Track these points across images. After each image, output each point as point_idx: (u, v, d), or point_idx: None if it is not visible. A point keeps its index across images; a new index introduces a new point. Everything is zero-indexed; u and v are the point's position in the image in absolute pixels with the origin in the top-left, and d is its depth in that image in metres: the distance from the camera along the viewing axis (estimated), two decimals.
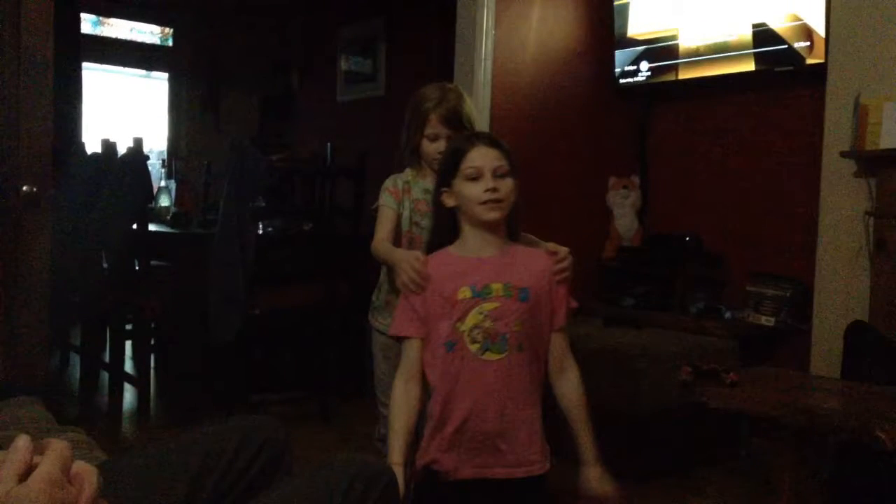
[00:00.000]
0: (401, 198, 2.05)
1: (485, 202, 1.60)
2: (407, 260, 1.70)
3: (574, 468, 1.70)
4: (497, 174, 1.62)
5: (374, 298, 2.18)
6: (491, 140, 1.67)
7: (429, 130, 2.00)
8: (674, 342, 2.82)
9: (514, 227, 1.70)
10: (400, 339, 1.70)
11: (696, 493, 2.66)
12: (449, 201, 1.67)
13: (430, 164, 2.03)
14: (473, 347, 1.59)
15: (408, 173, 2.08)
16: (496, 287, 1.60)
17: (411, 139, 2.05)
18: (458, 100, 2.03)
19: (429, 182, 2.00)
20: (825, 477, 1.89)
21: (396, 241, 2.03)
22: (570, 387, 1.69)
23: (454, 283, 1.61)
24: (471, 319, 1.59)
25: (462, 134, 1.77)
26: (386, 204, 2.04)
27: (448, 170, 1.67)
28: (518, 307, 1.60)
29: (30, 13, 2.03)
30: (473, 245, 1.66)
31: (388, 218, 2.03)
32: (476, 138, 1.68)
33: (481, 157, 1.62)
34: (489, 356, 1.59)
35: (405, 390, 1.65)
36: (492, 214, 1.61)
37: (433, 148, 2.00)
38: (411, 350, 1.67)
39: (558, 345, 1.70)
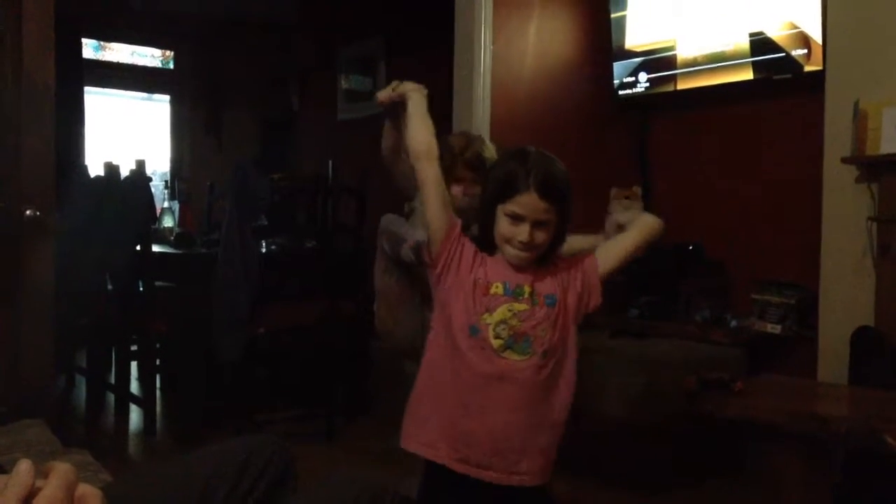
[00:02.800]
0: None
1: (514, 246, 1.58)
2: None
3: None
4: (538, 225, 1.57)
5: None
6: (546, 188, 1.57)
7: (456, 174, 2.10)
8: (679, 351, 2.82)
9: (550, 253, 1.66)
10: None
11: (704, 503, 2.65)
12: (493, 219, 1.63)
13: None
14: (496, 343, 1.57)
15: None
16: (527, 289, 1.60)
17: None
18: (481, 146, 2.16)
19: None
20: (835, 484, 1.87)
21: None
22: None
23: (490, 275, 1.60)
24: (499, 314, 1.57)
25: (522, 158, 1.65)
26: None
27: (496, 193, 1.61)
28: (546, 313, 1.59)
29: (32, 38, 2.04)
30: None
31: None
32: (533, 179, 1.57)
33: (528, 207, 1.56)
34: (510, 355, 1.57)
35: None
36: (516, 259, 1.60)
37: (457, 190, 2.09)
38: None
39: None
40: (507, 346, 1.57)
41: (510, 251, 1.59)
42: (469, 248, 1.64)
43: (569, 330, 1.64)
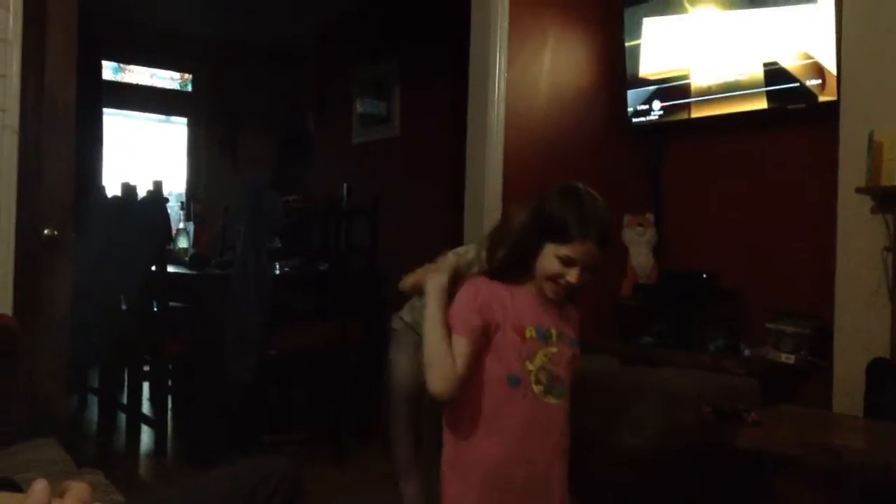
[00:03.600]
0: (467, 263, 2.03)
1: (558, 284, 1.57)
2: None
3: None
4: (588, 269, 1.57)
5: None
6: (604, 239, 1.57)
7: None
8: (693, 381, 2.79)
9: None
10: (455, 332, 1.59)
11: None
12: (536, 250, 1.60)
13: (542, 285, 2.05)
14: (537, 389, 1.56)
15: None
16: (554, 332, 1.60)
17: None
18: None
19: None
20: None
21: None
22: None
23: (522, 318, 1.59)
24: (539, 359, 1.57)
25: (583, 207, 1.60)
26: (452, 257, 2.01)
27: (550, 232, 1.58)
28: (570, 354, 1.62)
29: (54, 60, 2.08)
30: (535, 289, 1.63)
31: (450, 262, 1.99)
32: (594, 231, 1.55)
33: (584, 255, 1.55)
34: (550, 399, 1.57)
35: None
36: (554, 296, 1.60)
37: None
38: (461, 355, 1.56)
39: None
40: (548, 391, 1.57)
41: (551, 288, 1.58)
42: (492, 302, 1.59)
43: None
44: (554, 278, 1.57)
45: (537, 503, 1.59)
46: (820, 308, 2.90)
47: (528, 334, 1.57)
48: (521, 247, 1.63)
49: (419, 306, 1.90)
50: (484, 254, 1.81)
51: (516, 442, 1.56)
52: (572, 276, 1.55)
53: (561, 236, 1.56)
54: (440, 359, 1.55)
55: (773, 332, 3.09)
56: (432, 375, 1.55)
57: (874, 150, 2.55)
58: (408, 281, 1.84)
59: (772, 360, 3.04)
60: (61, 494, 0.68)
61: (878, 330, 2.53)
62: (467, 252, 1.96)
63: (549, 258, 1.57)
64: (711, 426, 1.95)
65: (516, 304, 1.60)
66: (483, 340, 1.57)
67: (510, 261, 1.64)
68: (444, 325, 1.58)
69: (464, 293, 1.62)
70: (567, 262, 1.55)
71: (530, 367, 1.56)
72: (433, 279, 1.65)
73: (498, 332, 1.57)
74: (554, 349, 1.58)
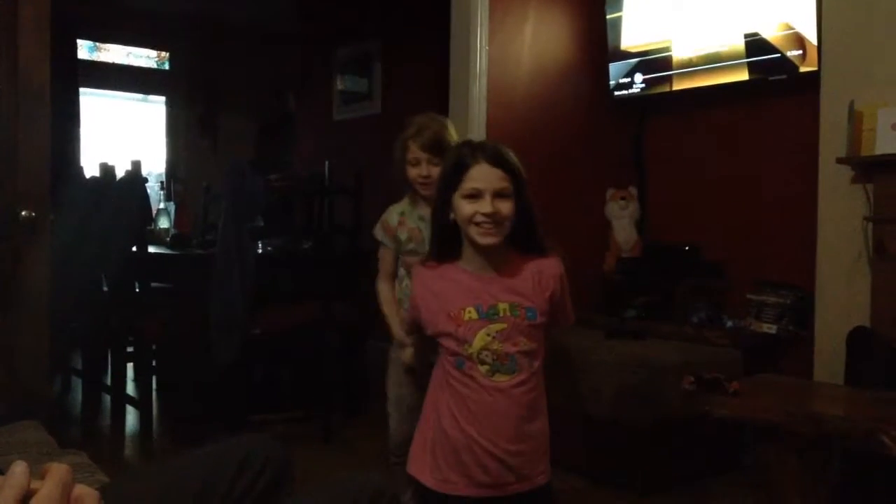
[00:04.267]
0: (395, 232, 2.15)
1: (479, 223, 1.54)
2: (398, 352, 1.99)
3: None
4: (498, 195, 1.54)
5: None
6: (496, 157, 1.56)
7: (410, 156, 2.10)
8: (676, 352, 2.82)
9: (532, 243, 1.64)
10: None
11: (701, 503, 2.65)
12: (449, 213, 1.60)
13: (418, 190, 2.12)
14: (483, 369, 1.55)
15: (405, 203, 2.19)
16: (503, 307, 1.56)
17: (398, 166, 2.15)
18: (440, 128, 2.12)
19: (423, 210, 2.10)
20: (832, 484, 1.88)
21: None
22: None
23: (460, 301, 1.57)
24: (478, 342, 1.55)
25: (468, 143, 1.70)
26: (382, 242, 2.18)
27: (448, 184, 1.59)
28: (526, 326, 1.57)
29: (27, 40, 2.04)
30: (475, 259, 1.61)
31: (386, 259, 2.18)
32: (481, 153, 1.57)
33: (483, 178, 1.54)
34: (499, 378, 1.55)
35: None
36: (486, 240, 1.55)
37: (415, 172, 2.10)
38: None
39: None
40: (494, 370, 1.56)
41: (477, 233, 1.55)
42: (423, 300, 1.65)
43: (546, 331, 1.64)
44: (472, 220, 1.55)
45: (521, 472, 1.58)
46: (801, 278, 2.93)
47: (465, 316, 1.56)
48: (439, 216, 1.64)
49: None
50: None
51: (474, 426, 1.56)
52: (484, 205, 1.53)
53: (457, 174, 1.57)
54: None
55: (754, 302, 3.12)
56: None
57: (854, 120, 2.56)
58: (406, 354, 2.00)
59: (754, 331, 3.08)
60: (42, 476, 0.68)
61: (859, 299, 2.56)
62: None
63: (461, 206, 1.56)
64: (694, 396, 1.96)
65: (454, 289, 1.59)
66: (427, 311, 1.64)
67: (440, 243, 1.66)
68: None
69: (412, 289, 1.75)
70: (474, 196, 1.54)
71: (470, 350, 1.55)
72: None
73: (433, 321, 1.61)
74: (501, 325, 1.55)
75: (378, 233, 2.18)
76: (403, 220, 2.15)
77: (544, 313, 1.61)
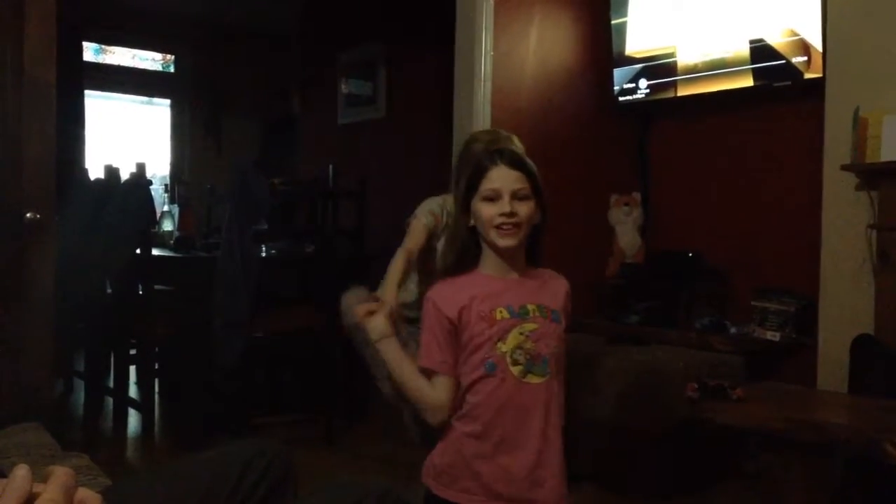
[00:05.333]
0: (440, 226, 2.12)
1: (498, 226, 1.53)
2: (368, 305, 1.72)
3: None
4: (517, 197, 1.53)
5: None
6: (514, 159, 1.57)
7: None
8: (679, 359, 2.81)
9: (535, 253, 1.63)
10: (427, 373, 1.59)
11: None
12: (468, 220, 1.59)
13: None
14: (516, 370, 1.52)
15: (449, 201, 2.15)
16: (532, 308, 1.55)
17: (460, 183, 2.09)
18: (507, 143, 2.11)
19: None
20: (835, 492, 1.87)
21: (427, 264, 2.11)
22: None
23: (490, 302, 1.54)
24: (512, 340, 1.52)
25: (486, 148, 1.70)
26: (426, 222, 2.11)
27: (468, 187, 1.58)
28: (554, 328, 1.56)
29: (33, 42, 2.05)
30: (496, 268, 1.60)
31: (419, 234, 2.09)
32: (499, 156, 1.58)
33: (501, 178, 1.53)
34: (531, 378, 1.53)
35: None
36: (506, 241, 1.54)
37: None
38: (442, 389, 1.56)
39: None
40: (527, 371, 1.52)
41: (497, 235, 1.54)
42: (449, 308, 1.56)
43: (566, 344, 1.62)
44: (492, 222, 1.54)
45: (542, 490, 1.54)
46: (805, 286, 2.92)
47: (497, 316, 1.53)
48: (458, 224, 1.63)
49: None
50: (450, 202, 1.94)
51: (496, 428, 1.52)
52: (503, 206, 1.52)
53: (476, 177, 1.56)
54: (421, 396, 1.58)
55: (758, 309, 3.11)
56: (423, 414, 1.58)
57: (859, 127, 2.55)
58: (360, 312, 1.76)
59: (757, 338, 3.07)
60: (45, 479, 0.68)
61: (863, 307, 2.55)
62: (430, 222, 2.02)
63: (480, 208, 1.55)
64: (697, 402, 1.96)
65: (480, 292, 1.56)
66: (456, 345, 1.56)
67: (460, 250, 1.63)
68: (404, 362, 1.61)
69: (424, 319, 1.60)
70: (493, 198, 1.54)
71: (503, 348, 1.52)
72: (371, 323, 1.65)
73: (467, 329, 1.54)
74: (533, 325, 1.53)
75: (424, 216, 2.11)
76: (438, 216, 2.13)
77: (565, 319, 1.61)
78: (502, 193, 1.53)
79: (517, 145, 2.11)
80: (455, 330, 1.55)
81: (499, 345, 1.52)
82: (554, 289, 1.63)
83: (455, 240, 1.66)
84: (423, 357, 1.58)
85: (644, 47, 3.57)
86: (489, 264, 1.60)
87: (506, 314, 1.54)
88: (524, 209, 1.54)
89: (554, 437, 1.56)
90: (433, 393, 1.57)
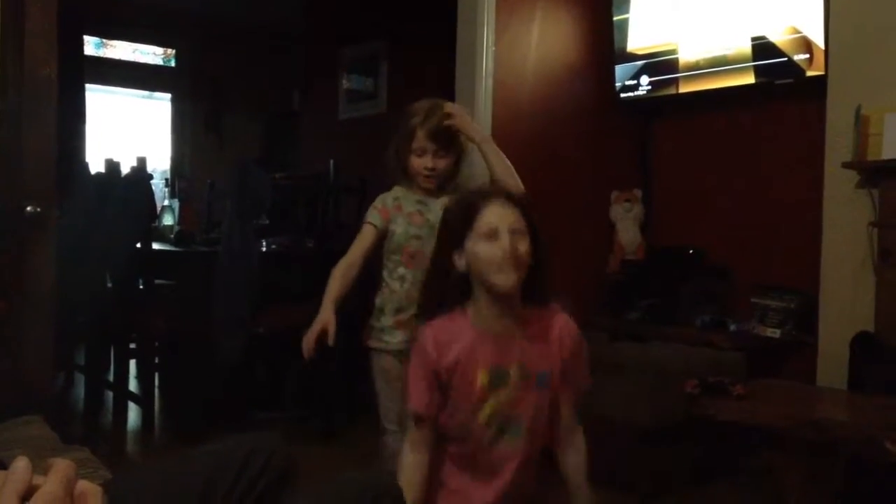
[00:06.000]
0: (391, 215, 2.03)
1: (499, 265, 1.44)
2: (312, 330, 1.87)
3: None
4: (514, 233, 1.46)
5: (374, 322, 2.13)
6: (508, 196, 1.51)
7: (415, 145, 2.00)
8: (679, 355, 2.81)
9: (539, 291, 1.54)
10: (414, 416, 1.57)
11: None
12: (459, 263, 1.50)
13: (418, 181, 2.04)
14: (489, 433, 1.52)
15: (397, 190, 2.08)
16: (514, 371, 1.50)
17: (400, 154, 2.04)
18: (447, 117, 2.02)
19: (420, 195, 2.03)
20: (835, 489, 1.87)
21: (378, 259, 2.07)
22: (576, 455, 1.62)
23: (473, 365, 1.50)
24: (488, 408, 1.50)
25: (474, 189, 1.66)
26: (370, 221, 2.04)
27: (459, 228, 1.50)
28: (535, 396, 1.52)
29: (34, 36, 2.04)
30: (488, 314, 1.52)
31: (365, 237, 2.03)
32: (492, 193, 1.52)
33: (498, 215, 1.46)
34: (504, 440, 1.52)
35: (414, 462, 1.54)
36: (509, 279, 1.45)
37: (420, 163, 2.00)
38: (423, 428, 1.55)
39: (567, 413, 1.60)
40: (500, 433, 1.52)
41: (500, 277, 1.45)
42: (435, 362, 1.51)
43: (557, 398, 1.57)
44: (495, 261, 1.46)
45: None
46: (806, 283, 2.92)
47: (479, 382, 1.49)
48: (442, 271, 1.56)
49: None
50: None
51: (473, 484, 1.55)
52: (504, 243, 1.45)
53: (468, 218, 1.49)
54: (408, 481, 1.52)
55: (759, 306, 3.12)
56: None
57: (861, 124, 2.55)
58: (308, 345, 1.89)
59: (758, 335, 3.07)
60: (45, 472, 0.68)
61: (863, 304, 2.55)
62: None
63: (478, 248, 1.48)
64: (698, 399, 1.96)
65: (465, 353, 1.50)
66: (439, 394, 1.53)
67: (432, 290, 1.59)
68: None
69: (414, 357, 1.56)
70: (491, 236, 1.46)
71: (481, 418, 1.51)
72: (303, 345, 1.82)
73: (451, 388, 1.52)
74: (511, 392, 1.49)
75: (369, 214, 2.04)
76: (399, 205, 2.04)
77: (556, 376, 1.55)
78: (500, 230, 1.45)
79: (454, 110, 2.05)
80: (440, 382, 1.53)
81: (477, 414, 1.51)
82: (550, 338, 1.55)
83: (436, 280, 1.59)
84: (413, 398, 1.55)
85: (646, 44, 3.56)
86: (481, 311, 1.52)
87: (485, 380, 1.50)
88: (524, 245, 1.46)
89: (527, 488, 1.59)
90: (411, 464, 1.56)
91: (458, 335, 1.52)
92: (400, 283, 2.05)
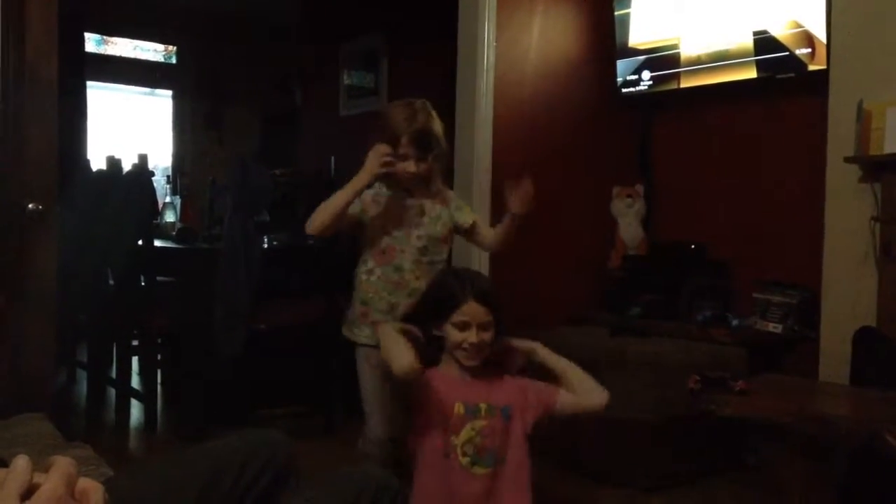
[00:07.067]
0: (368, 207, 2.07)
1: (465, 349, 1.78)
2: (374, 153, 1.98)
3: None
4: (483, 328, 1.78)
5: (347, 311, 2.18)
6: (484, 297, 1.80)
7: (400, 151, 2.03)
8: (681, 351, 2.81)
9: (496, 354, 1.85)
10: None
11: (705, 503, 2.65)
12: (437, 332, 1.83)
13: (402, 184, 2.07)
14: (464, 460, 1.75)
15: (376, 186, 2.11)
16: (483, 406, 1.79)
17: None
18: (426, 119, 2.05)
19: (402, 193, 2.07)
20: (837, 484, 1.87)
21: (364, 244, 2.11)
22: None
23: (450, 397, 1.78)
24: (464, 434, 1.76)
25: (456, 276, 1.89)
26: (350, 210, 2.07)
27: (441, 312, 1.81)
28: (502, 426, 1.78)
29: (35, 33, 2.04)
30: (456, 370, 1.84)
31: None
32: (471, 293, 1.79)
33: (471, 313, 1.78)
34: (476, 470, 1.76)
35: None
36: (470, 362, 1.80)
37: (402, 167, 2.03)
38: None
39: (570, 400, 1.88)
40: (474, 462, 1.76)
41: (463, 356, 1.80)
42: (432, 378, 1.80)
43: (521, 441, 1.81)
44: (459, 345, 1.79)
45: None
46: (807, 278, 2.92)
47: (456, 410, 1.77)
48: (422, 327, 1.85)
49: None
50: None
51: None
52: (471, 336, 1.77)
53: (449, 308, 1.79)
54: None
55: (760, 302, 3.11)
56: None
57: (863, 119, 2.55)
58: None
59: (759, 330, 3.07)
60: (46, 469, 0.68)
61: (865, 299, 2.55)
62: None
63: (451, 333, 1.80)
64: (699, 394, 1.96)
65: (445, 387, 1.80)
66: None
67: (425, 348, 1.82)
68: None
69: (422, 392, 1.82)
70: (462, 326, 1.78)
71: (456, 441, 1.76)
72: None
73: (433, 408, 1.78)
74: (483, 422, 1.77)
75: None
76: (378, 200, 2.07)
77: (517, 408, 1.81)
78: (471, 325, 1.78)
79: (435, 118, 2.07)
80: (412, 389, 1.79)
81: (452, 437, 1.76)
82: (503, 387, 1.84)
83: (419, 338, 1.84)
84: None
85: (647, 39, 3.55)
86: (450, 366, 1.85)
87: (462, 410, 1.77)
88: (488, 336, 1.80)
89: None
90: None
91: (438, 378, 1.82)
92: (367, 275, 2.09)
